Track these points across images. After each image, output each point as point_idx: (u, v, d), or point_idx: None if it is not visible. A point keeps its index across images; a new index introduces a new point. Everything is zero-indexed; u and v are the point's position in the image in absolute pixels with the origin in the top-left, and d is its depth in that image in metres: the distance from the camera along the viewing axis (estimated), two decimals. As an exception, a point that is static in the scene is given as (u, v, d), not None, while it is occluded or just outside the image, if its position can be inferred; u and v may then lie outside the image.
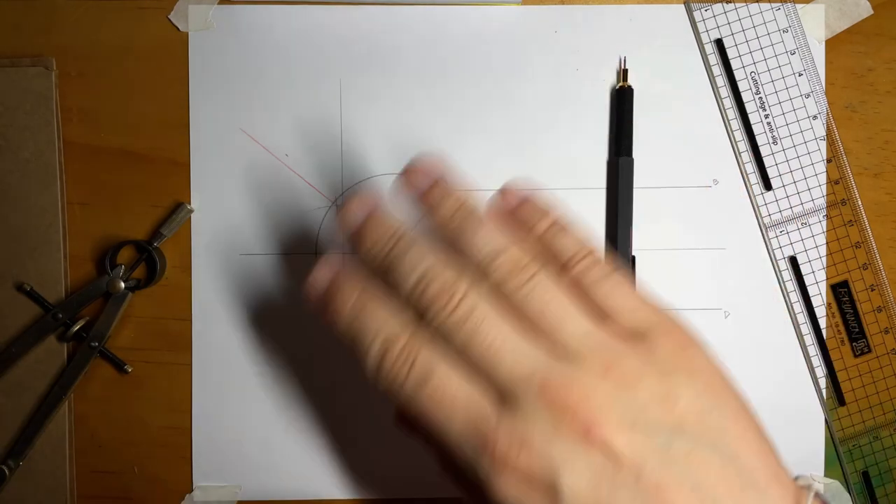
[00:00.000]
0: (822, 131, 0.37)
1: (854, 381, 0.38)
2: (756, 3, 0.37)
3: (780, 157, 0.38)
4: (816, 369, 0.38)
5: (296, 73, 0.37)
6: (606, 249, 0.38)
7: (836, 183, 0.38)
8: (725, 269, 0.38)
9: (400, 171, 0.28)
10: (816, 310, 0.38)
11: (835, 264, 0.38)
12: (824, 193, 0.38)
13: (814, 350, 0.38)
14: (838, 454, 0.38)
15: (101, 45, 0.37)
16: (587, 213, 0.38)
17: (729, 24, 0.37)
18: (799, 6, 0.37)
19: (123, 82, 0.37)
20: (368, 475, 0.38)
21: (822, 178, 0.38)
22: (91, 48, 0.37)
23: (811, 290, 0.38)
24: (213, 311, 0.38)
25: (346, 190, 0.38)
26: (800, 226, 0.38)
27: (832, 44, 0.37)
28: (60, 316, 0.37)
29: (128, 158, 0.38)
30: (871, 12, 0.37)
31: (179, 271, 0.38)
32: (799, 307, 0.38)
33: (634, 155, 0.37)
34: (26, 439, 0.37)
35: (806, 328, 0.38)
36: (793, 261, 0.38)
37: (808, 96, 0.37)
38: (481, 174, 0.38)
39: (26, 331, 0.37)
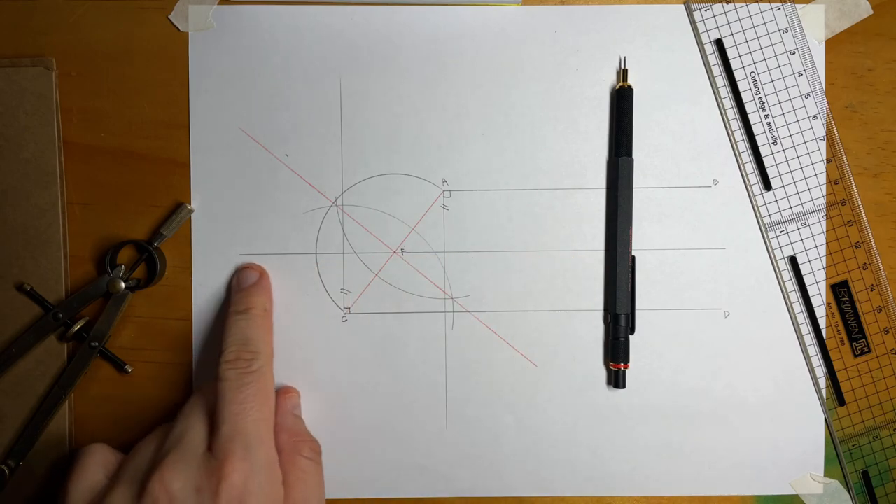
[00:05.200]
0: (822, 131, 0.37)
1: (854, 381, 0.38)
2: (756, 3, 0.37)
3: (780, 157, 0.38)
4: (816, 369, 0.38)
5: (296, 73, 0.37)
6: (606, 249, 0.38)
7: (836, 183, 0.38)
8: (725, 269, 0.38)
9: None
10: (816, 310, 0.38)
11: (835, 264, 0.38)
12: (824, 193, 0.38)
13: (813, 350, 0.38)
14: (838, 454, 0.38)
15: (101, 45, 0.37)
16: (587, 213, 0.38)
17: (729, 24, 0.37)
18: (799, 6, 0.37)
19: (123, 82, 0.37)
20: (367, 474, 0.38)
21: (822, 178, 0.38)
22: (91, 48, 0.37)
23: (811, 290, 0.38)
24: (213, 311, 0.38)
25: (345, 190, 0.38)
26: (800, 226, 0.38)
27: (832, 44, 0.38)
28: (60, 316, 0.37)
29: (128, 158, 0.38)
30: (871, 12, 0.37)
31: (179, 271, 0.38)
32: (799, 307, 0.38)
33: (634, 155, 0.37)
34: (26, 439, 0.37)
35: (806, 328, 0.38)
36: (793, 261, 0.38)
37: (808, 96, 0.37)
38: (481, 174, 0.38)
39: (26, 331, 0.37)
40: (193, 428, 0.32)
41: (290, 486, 0.32)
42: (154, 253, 0.37)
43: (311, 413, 0.38)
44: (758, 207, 0.38)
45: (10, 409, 0.37)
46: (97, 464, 0.33)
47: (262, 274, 0.37)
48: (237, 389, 0.32)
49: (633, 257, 0.38)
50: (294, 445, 0.34)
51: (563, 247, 0.38)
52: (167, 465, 0.30)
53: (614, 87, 0.38)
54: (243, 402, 0.32)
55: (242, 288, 0.37)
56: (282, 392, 0.37)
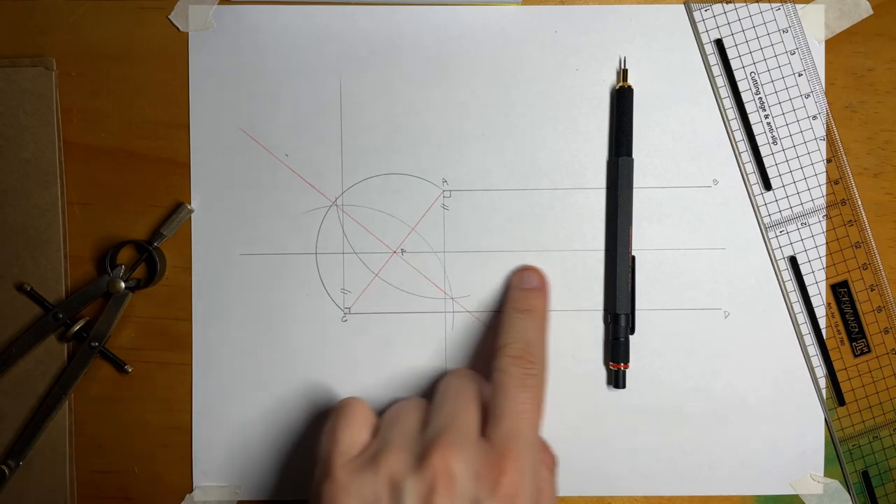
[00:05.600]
0: (822, 131, 0.37)
1: (854, 381, 0.38)
2: (756, 3, 0.37)
3: (780, 157, 0.38)
4: (816, 369, 0.38)
5: (296, 73, 0.38)
6: (606, 249, 0.38)
7: (836, 183, 0.38)
8: (725, 269, 0.38)
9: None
10: (816, 310, 0.38)
11: (835, 264, 0.38)
12: (824, 193, 0.38)
13: (813, 350, 0.38)
14: (838, 454, 0.38)
15: (101, 45, 0.37)
16: (587, 213, 0.38)
17: (729, 24, 0.37)
18: (799, 6, 0.37)
19: (123, 82, 0.37)
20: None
21: (822, 178, 0.38)
22: (91, 48, 0.37)
23: (811, 290, 0.38)
24: (213, 311, 0.38)
25: (345, 190, 0.38)
26: (800, 226, 0.38)
27: (832, 44, 0.38)
28: (60, 316, 0.37)
29: (128, 158, 0.38)
30: (871, 12, 0.37)
31: (179, 271, 0.38)
32: (799, 307, 0.38)
33: (634, 155, 0.37)
34: (26, 439, 0.37)
35: (806, 328, 0.38)
36: (793, 261, 0.38)
37: (808, 96, 0.37)
38: (481, 174, 0.38)
39: (26, 331, 0.37)
40: (467, 411, 0.32)
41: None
42: (154, 253, 0.37)
43: (311, 413, 0.38)
44: (758, 207, 0.38)
45: (10, 409, 0.37)
46: (364, 420, 0.32)
47: (543, 279, 0.37)
48: (519, 388, 0.32)
49: (633, 257, 0.38)
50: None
51: (563, 247, 0.38)
52: (448, 443, 0.30)
53: (614, 87, 0.38)
54: (524, 403, 0.31)
55: (525, 288, 0.36)
56: None
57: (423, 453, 0.30)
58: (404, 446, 0.30)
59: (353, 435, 0.32)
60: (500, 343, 0.33)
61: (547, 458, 0.34)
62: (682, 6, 0.37)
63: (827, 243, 0.38)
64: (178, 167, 0.38)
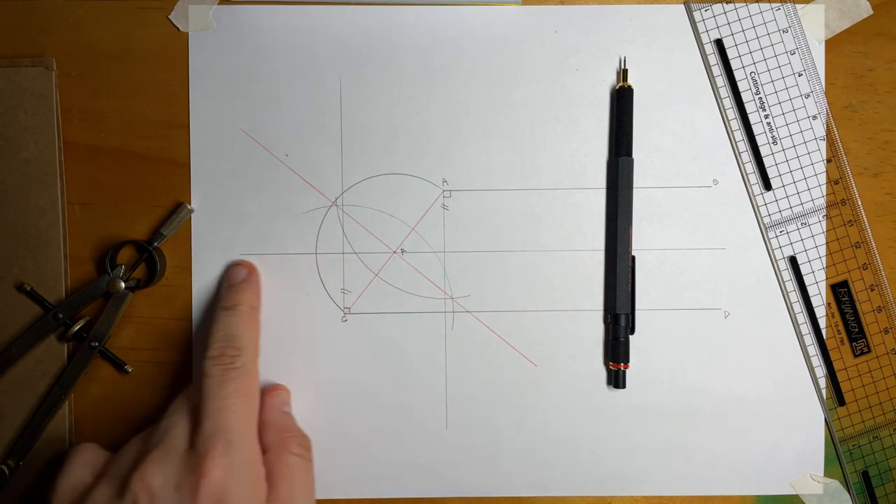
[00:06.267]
0: (822, 131, 0.37)
1: (854, 381, 0.38)
2: (756, 3, 0.37)
3: (779, 157, 0.38)
4: (816, 369, 0.38)
5: (296, 73, 0.38)
6: (606, 249, 0.38)
7: (836, 183, 0.38)
8: (725, 269, 0.38)
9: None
10: (816, 310, 0.38)
11: (835, 264, 0.38)
12: (824, 193, 0.38)
13: (814, 350, 0.38)
14: (838, 454, 0.38)
15: (101, 45, 0.37)
16: (587, 213, 0.38)
17: (729, 24, 0.37)
18: (799, 6, 0.37)
19: (123, 82, 0.37)
20: (367, 474, 0.38)
21: (822, 178, 0.38)
22: (91, 48, 0.37)
23: (811, 290, 0.38)
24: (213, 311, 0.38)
25: (345, 190, 0.38)
26: (799, 226, 0.38)
27: (832, 44, 0.38)
28: (60, 316, 0.37)
29: (128, 158, 0.38)
30: (871, 12, 0.37)
31: (179, 271, 0.38)
32: (799, 307, 0.38)
33: (634, 155, 0.37)
34: (26, 439, 0.37)
35: (806, 328, 0.38)
36: (793, 261, 0.38)
37: (808, 96, 0.37)
38: (481, 174, 0.38)
39: (26, 331, 0.37)
40: (177, 425, 0.32)
41: (276, 482, 0.32)
42: (154, 253, 0.37)
43: (311, 413, 0.38)
44: (758, 207, 0.38)
45: (10, 409, 0.37)
46: (84, 462, 0.33)
47: (252, 271, 0.37)
48: (220, 385, 0.32)
49: (633, 257, 0.38)
50: (282, 441, 0.33)
51: (563, 247, 0.38)
52: (148, 463, 0.30)
53: (614, 87, 0.38)
54: (226, 398, 0.32)
55: (231, 284, 0.37)
56: (270, 389, 0.36)
57: (125, 479, 0.30)
58: (112, 477, 0.31)
59: (72, 480, 0.32)
60: (205, 346, 0.34)
61: (291, 444, 0.34)
62: (682, 6, 0.37)
63: (827, 243, 0.38)
64: (178, 167, 0.38)
